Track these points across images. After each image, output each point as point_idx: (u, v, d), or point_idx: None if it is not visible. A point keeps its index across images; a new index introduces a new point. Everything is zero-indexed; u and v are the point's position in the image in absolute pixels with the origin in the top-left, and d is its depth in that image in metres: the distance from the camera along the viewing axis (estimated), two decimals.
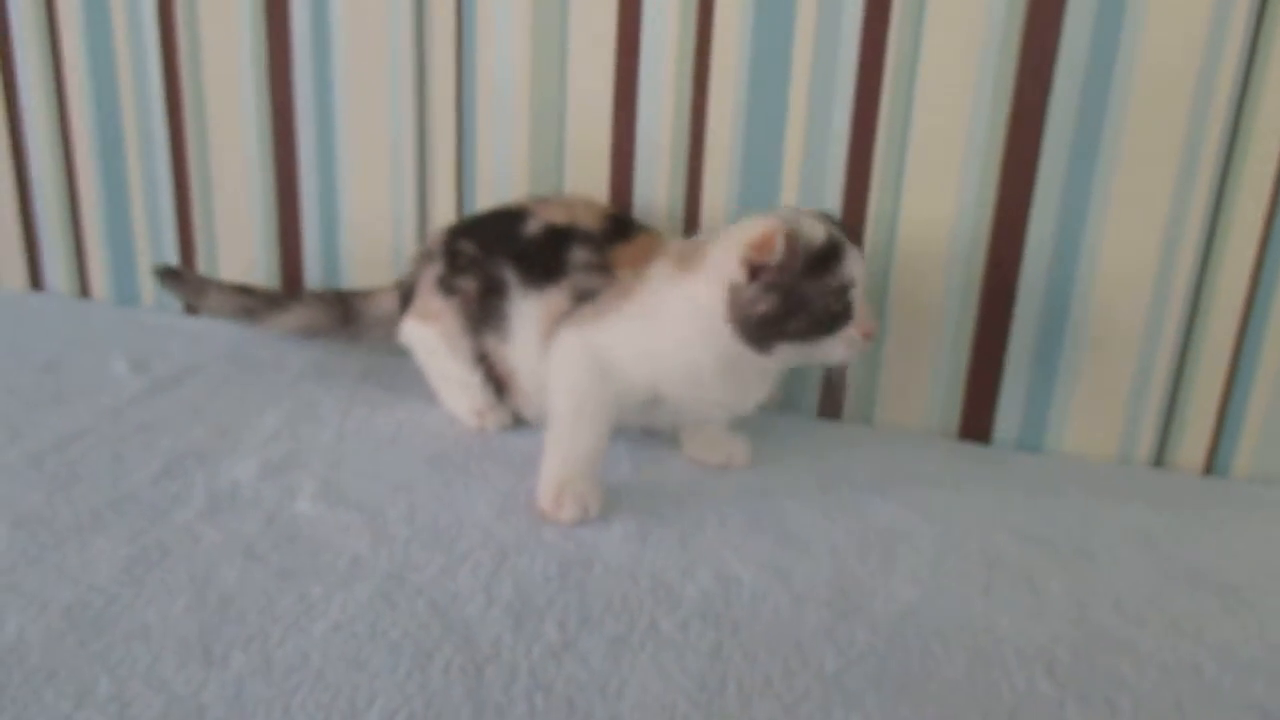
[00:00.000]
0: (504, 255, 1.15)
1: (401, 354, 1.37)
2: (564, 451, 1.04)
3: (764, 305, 1.00)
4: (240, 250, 1.48)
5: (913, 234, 1.21)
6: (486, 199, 1.35)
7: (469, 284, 1.17)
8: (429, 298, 1.20)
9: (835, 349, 1.02)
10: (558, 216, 1.16)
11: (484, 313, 1.16)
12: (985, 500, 1.11)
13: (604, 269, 1.11)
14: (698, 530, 1.01)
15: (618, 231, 1.15)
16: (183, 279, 1.42)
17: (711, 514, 1.04)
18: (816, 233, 1.00)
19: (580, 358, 1.07)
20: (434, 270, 1.20)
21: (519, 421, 1.22)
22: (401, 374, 1.33)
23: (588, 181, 1.32)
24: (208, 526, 0.96)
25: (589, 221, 1.15)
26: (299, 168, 1.42)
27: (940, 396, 1.26)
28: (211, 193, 1.47)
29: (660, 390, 1.07)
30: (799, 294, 0.99)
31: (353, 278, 1.44)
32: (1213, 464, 1.21)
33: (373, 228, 1.42)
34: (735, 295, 1.00)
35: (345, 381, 1.31)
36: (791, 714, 0.76)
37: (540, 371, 1.11)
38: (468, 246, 1.18)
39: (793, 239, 0.98)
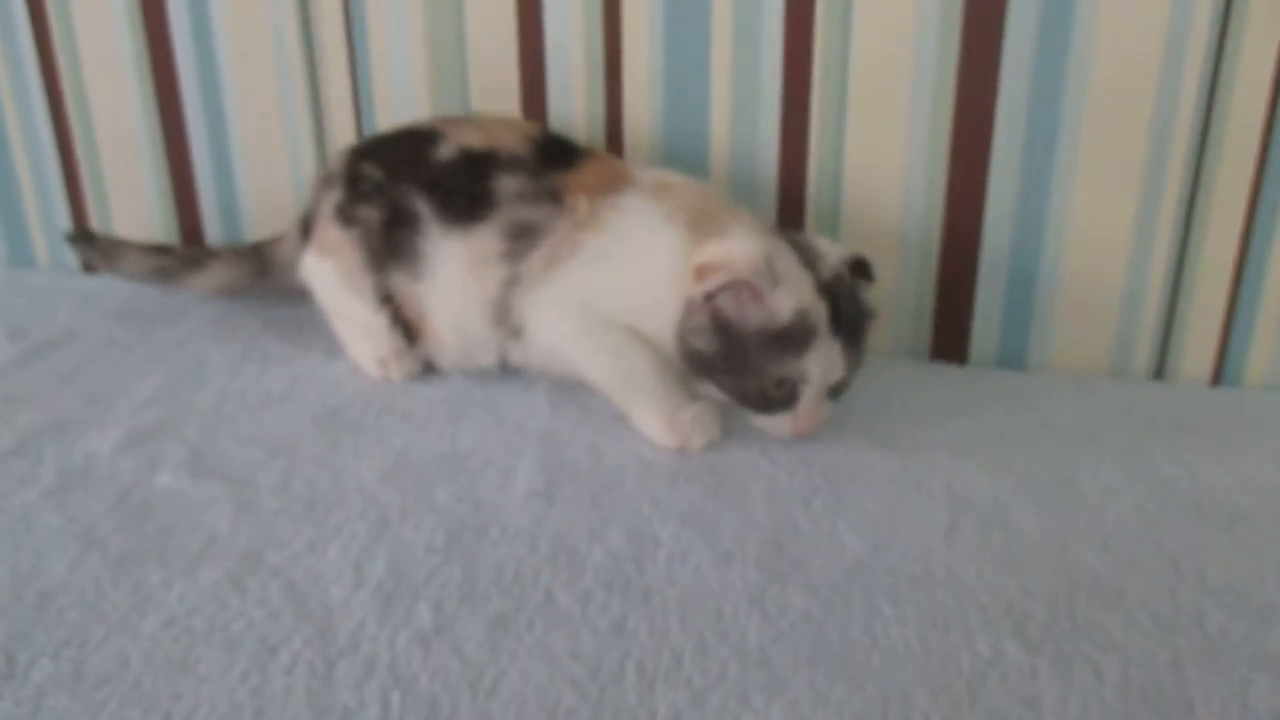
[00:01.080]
0: (414, 182, 1.01)
1: (311, 304, 1.23)
2: (641, 402, 0.94)
3: (701, 341, 0.88)
4: (133, 205, 1.34)
5: (862, 157, 1.06)
6: (387, 121, 1.20)
7: (371, 213, 1.02)
8: (328, 228, 1.05)
9: (759, 421, 0.91)
10: (473, 139, 1.01)
11: (390, 247, 1.02)
12: (955, 429, 0.96)
13: (549, 197, 0.97)
14: (616, 484, 0.87)
15: (553, 155, 1.01)
16: (95, 242, 1.28)
17: (634, 463, 0.90)
18: (783, 306, 0.85)
19: (577, 330, 0.95)
20: (333, 197, 1.05)
21: (430, 369, 1.08)
22: (310, 323, 1.19)
23: (498, 102, 1.16)
24: (47, 509, 0.83)
25: (512, 144, 1.00)
26: (184, 111, 1.27)
27: (907, 313, 1.11)
28: (95, 145, 1.32)
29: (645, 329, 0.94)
30: (741, 354, 0.87)
31: (254, 224, 1.30)
32: (1221, 372, 1.06)
33: (269, 164, 1.27)
34: (688, 307, 0.88)
35: (243, 335, 1.18)
36: (700, 703, 0.63)
37: (465, 314, 1.00)
38: (371, 170, 1.04)
39: (746, 295, 0.85)
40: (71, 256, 1.39)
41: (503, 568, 0.76)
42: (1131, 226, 1.02)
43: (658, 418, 0.93)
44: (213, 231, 1.32)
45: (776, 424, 0.90)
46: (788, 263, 0.87)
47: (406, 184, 1.00)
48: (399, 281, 1.02)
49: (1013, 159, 1.02)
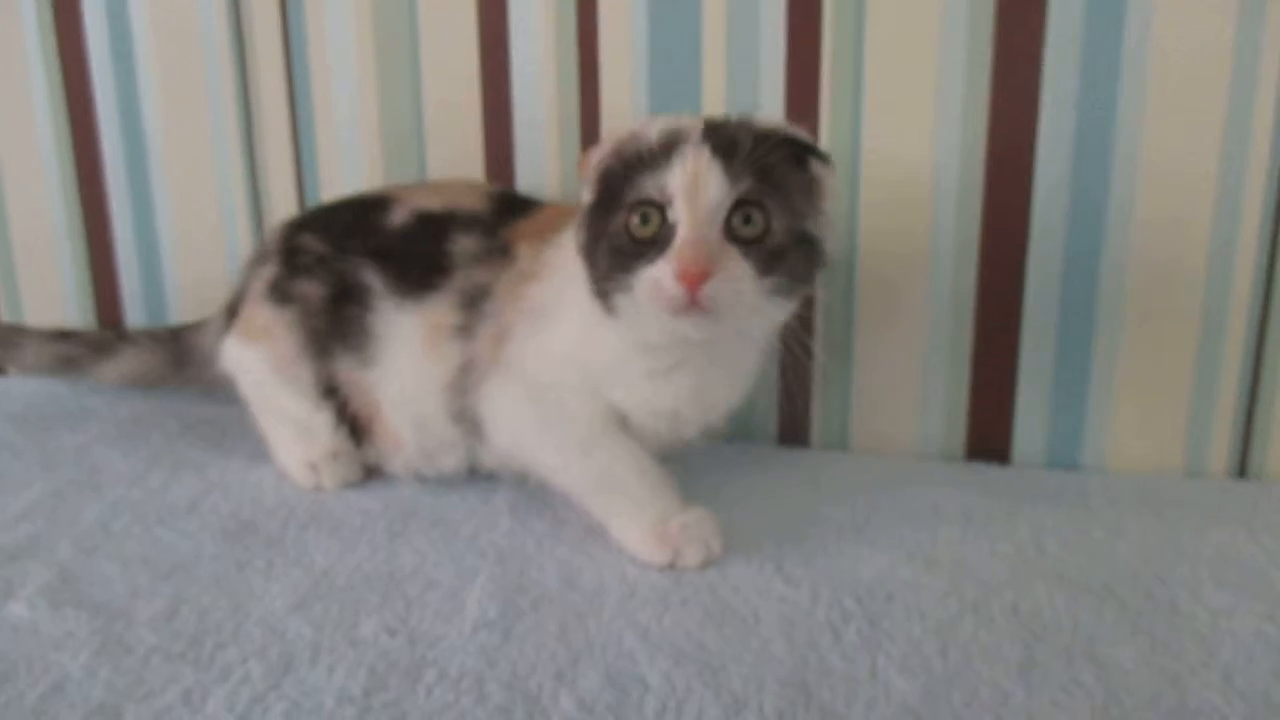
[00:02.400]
0: (362, 253, 0.86)
1: (240, 403, 1.07)
2: (626, 506, 0.77)
3: (581, 233, 0.73)
4: (46, 295, 1.18)
5: (880, 182, 0.91)
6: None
7: (312, 289, 0.87)
8: (257, 309, 0.89)
9: (641, 298, 0.69)
10: (430, 202, 0.87)
11: (335, 327, 0.86)
12: (1010, 538, 0.78)
13: (498, 253, 0.83)
14: (591, 610, 0.68)
15: (511, 209, 0.87)
16: None
17: (614, 583, 0.72)
18: (649, 130, 0.71)
19: (536, 422, 0.79)
20: (266, 273, 0.90)
21: (373, 474, 0.90)
22: (237, 425, 1.02)
23: (459, 167, 1.02)
24: None
25: (470, 203, 0.87)
26: (107, 192, 1.13)
27: (937, 407, 0.94)
28: (6, 225, 1.17)
29: (611, 398, 0.78)
30: (605, 211, 0.71)
31: (182, 310, 1.14)
32: None
33: (201, 253, 1.12)
34: (576, 222, 0.75)
35: (154, 439, 1.00)
36: None
37: (422, 404, 0.83)
38: (312, 242, 0.88)
39: (626, 141, 0.71)
40: None
41: None
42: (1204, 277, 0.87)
43: (642, 527, 0.75)
44: (136, 320, 1.16)
45: (652, 282, 0.68)
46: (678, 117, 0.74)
47: (354, 255, 0.85)
48: (346, 367, 0.86)
49: (1062, 167, 0.87)
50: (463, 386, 0.81)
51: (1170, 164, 0.85)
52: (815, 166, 0.72)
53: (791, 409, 0.97)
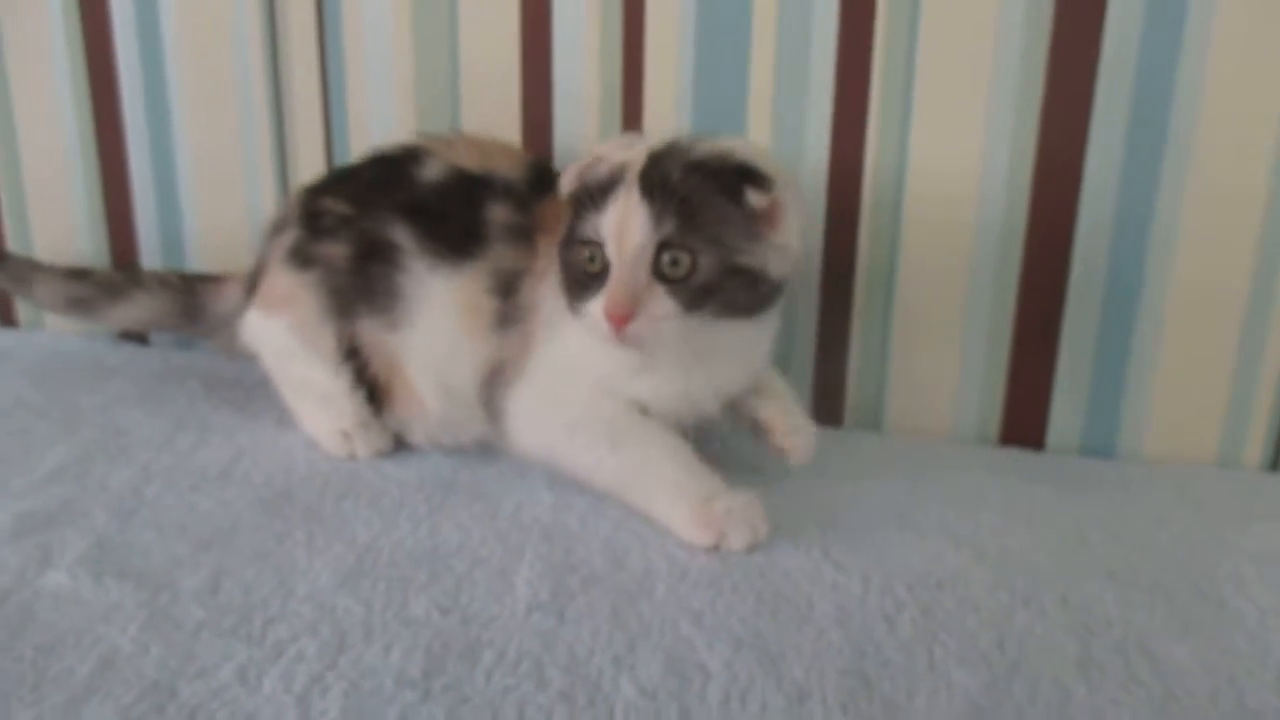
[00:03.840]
0: (391, 208, 0.84)
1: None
2: (666, 490, 0.76)
3: (560, 252, 0.77)
4: (57, 230, 1.15)
5: (926, 181, 0.90)
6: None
7: (336, 249, 0.85)
8: (277, 276, 0.87)
9: (586, 326, 0.74)
10: (468, 159, 0.85)
11: (360, 285, 0.84)
12: (1055, 528, 0.78)
13: (526, 237, 0.81)
14: (642, 593, 0.68)
15: (544, 181, 0.84)
16: (4, 264, 1.08)
17: (663, 566, 0.71)
18: (600, 169, 0.73)
19: (561, 430, 0.79)
20: (286, 240, 0.88)
21: (402, 443, 0.89)
22: (261, 389, 1.00)
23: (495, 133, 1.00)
24: None
25: (507, 168, 0.85)
26: (124, 123, 1.10)
27: (974, 391, 0.94)
28: (17, 157, 1.14)
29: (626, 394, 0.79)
30: (571, 236, 0.75)
31: (201, 260, 1.11)
32: None
33: (222, 195, 1.09)
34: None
35: (179, 400, 0.98)
36: None
37: (453, 371, 0.83)
38: (334, 204, 0.86)
39: (588, 168, 0.74)
40: None
41: (500, 709, 0.56)
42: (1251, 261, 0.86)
43: (684, 509, 0.74)
44: (151, 265, 1.14)
45: (597, 318, 0.72)
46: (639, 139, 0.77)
47: (382, 211, 0.83)
48: (370, 328, 0.84)
49: (1110, 173, 0.87)
50: (494, 382, 0.81)
51: (1219, 177, 0.84)
52: (751, 197, 0.71)
53: (826, 389, 0.97)
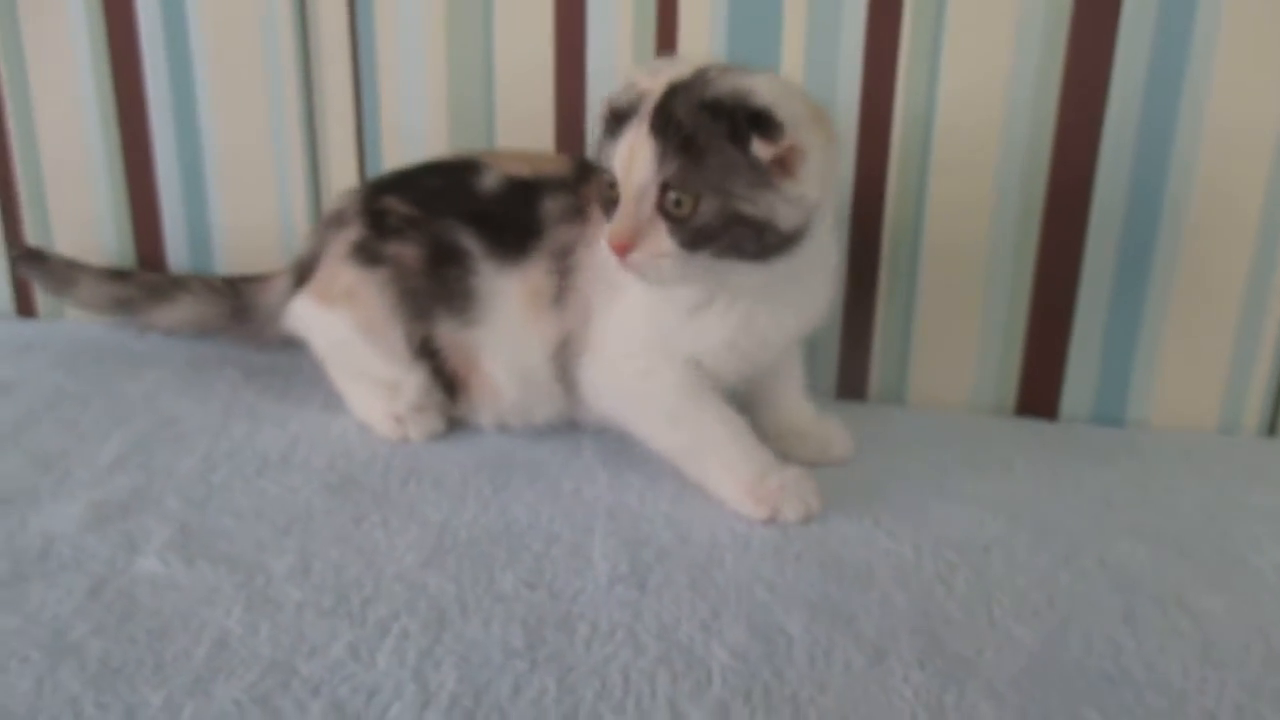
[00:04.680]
0: (456, 216, 0.86)
1: (303, 349, 1.07)
2: (721, 466, 0.80)
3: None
4: (80, 228, 1.15)
5: (955, 118, 0.94)
6: (395, 157, 1.05)
7: (407, 250, 0.87)
8: (339, 270, 0.89)
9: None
10: (519, 169, 0.87)
11: (435, 288, 0.87)
12: (1081, 493, 0.84)
13: (578, 212, 0.84)
14: (713, 564, 0.72)
15: (590, 170, 0.87)
16: (47, 264, 1.10)
17: (727, 539, 0.75)
18: (624, 96, 0.75)
19: (628, 396, 0.82)
20: (348, 235, 0.90)
21: (454, 425, 0.92)
22: (299, 376, 1.03)
23: (528, 139, 1.03)
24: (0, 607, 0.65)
25: (556, 170, 0.88)
26: (150, 123, 1.11)
27: (991, 364, 0.99)
28: (37, 153, 1.14)
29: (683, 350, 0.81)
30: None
31: (229, 261, 1.13)
32: None
33: (252, 195, 1.11)
34: None
35: (221, 388, 1.00)
36: None
37: (528, 359, 0.86)
38: (399, 205, 0.89)
39: (617, 95, 0.76)
40: (2, 298, 1.20)
41: (606, 675, 0.60)
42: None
43: (739, 485, 0.79)
44: (178, 266, 1.15)
45: (603, 242, 0.74)
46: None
47: (447, 218, 0.86)
48: (448, 329, 0.87)
49: (1129, 130, 0.91)
50: (565, 354, 0.84)
51: (1232, 131, 0.89)
52: (757, 147, 0.70)
53: (851, 363, 1.01)
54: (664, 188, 0.71)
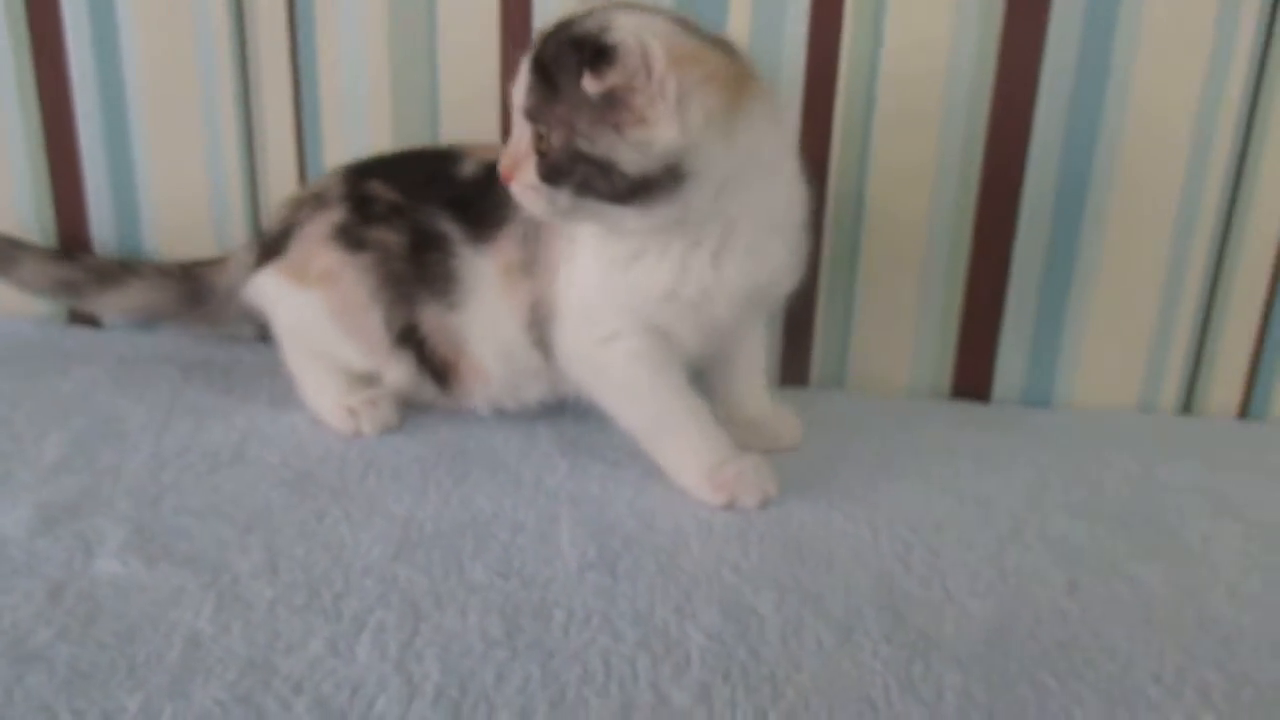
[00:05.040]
0: (439, 203, 0.86)
1: (242, 343, 1.05)
2: (680, 451, 0.81)
3: None
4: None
5: (898, 69, 0.96)
6: (334, 135, 1.04)
7: (391, 236, 0.87)
8: (317, 251, 0.88)
9: None
10: (494, 155, 0.87)
11: (418, 273, 0.86)
12: (1018, 472, 0.88)
13: None
14: (680, 549, 0.74)
15: None
16: None
17: (690, 524, 0.77)
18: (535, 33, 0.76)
19: (593, 366, 0.82)
20: (330, 217, 0.88)
21: (407, 417, 0.92)
22: (239, 370, 1.02)
23: (474, 116, 1.02)
24: None
25: None
26: (71, 93, 1.07)
27: (928, 348, 1.03)
28: None
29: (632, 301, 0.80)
30: None
31: (161, 237, 1.10)
32: (1248, 406, 1.02)
33: (181, 170, 1.08)
34: None
35: (161, 386, 0.98)
36: None
37: (509, 337, 0.85)
38: (383, 190, 0.88)
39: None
40: None
41: (587, 661, 0.61)
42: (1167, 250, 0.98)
43: (698, 471, 0.80)
44: (104, 244, 1.11)
45: None
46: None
47: (430, 205, 0.86)
48: (432, 313, 0.87)
49: (1060, 104, 0.95)
50: (538, 320, 0.83)
51: (1151, 124, 0.94)
52: (585, 81, 0.68)
53: (793, 349, 1.04)
54: (531, 119, 0.73)
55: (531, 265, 0.83)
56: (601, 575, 0.70)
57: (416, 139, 1.01)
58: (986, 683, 0.61)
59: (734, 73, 0.73)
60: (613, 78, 0.68)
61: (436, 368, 0.89)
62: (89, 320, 1.12)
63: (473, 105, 1.01)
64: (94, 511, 0.75)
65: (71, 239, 1.10)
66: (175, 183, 1.08)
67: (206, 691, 0.57)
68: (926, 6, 0.94)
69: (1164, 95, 0.94)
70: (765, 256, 0.80)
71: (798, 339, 1.03)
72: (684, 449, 0.81)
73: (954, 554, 0.74)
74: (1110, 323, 1.00)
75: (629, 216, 0.74)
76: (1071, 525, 0.79)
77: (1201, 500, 0.84)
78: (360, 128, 1.03)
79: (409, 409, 0.93)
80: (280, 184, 1.06)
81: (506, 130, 1.00)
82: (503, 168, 0.75)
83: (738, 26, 0.97)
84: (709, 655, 0.62)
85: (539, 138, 0.73)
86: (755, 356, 0.91)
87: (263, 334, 1.05)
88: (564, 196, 0.73)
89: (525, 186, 0.74)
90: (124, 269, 1.00)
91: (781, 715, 0.57)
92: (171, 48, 1.04)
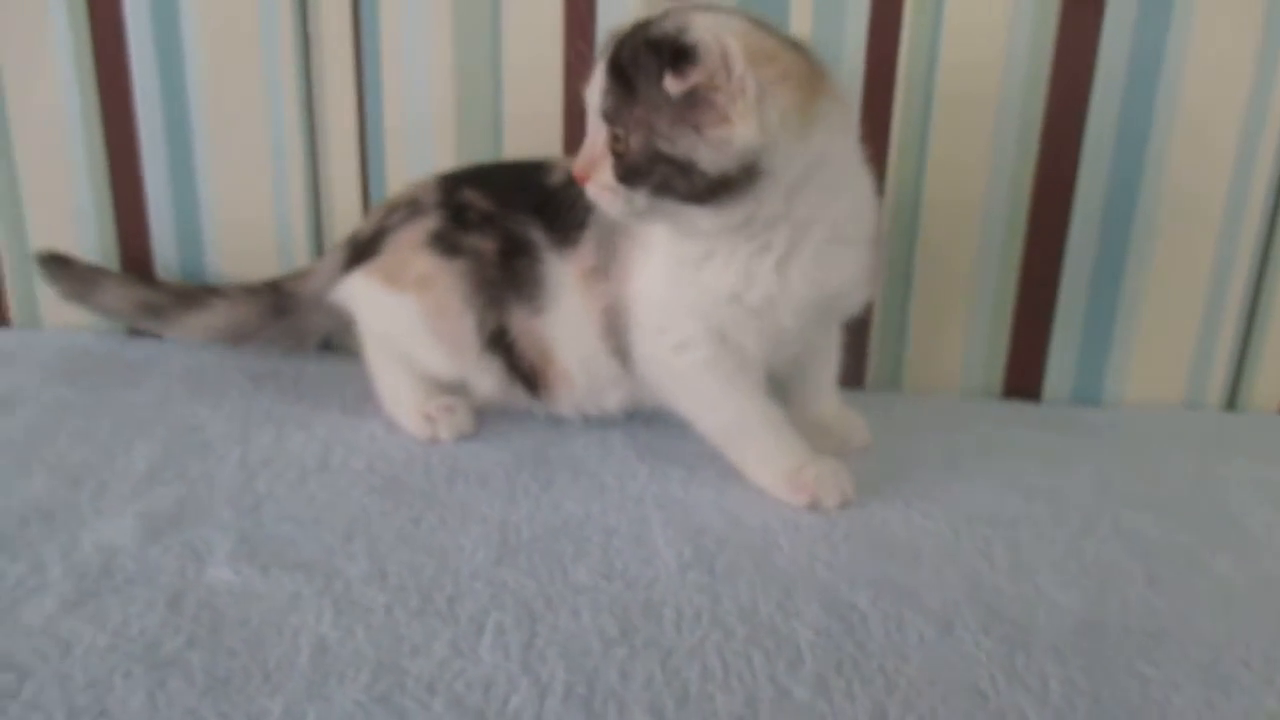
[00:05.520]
0: (527, 211, 0.89)
1: (304, 355, 1.07)
2: (759, 455, 0.84)
3: None
4: (58, 224, 1.12)
5: (956, 69, 0.99)
6: (398, 155, 1.06)
7: (485, 243, 0.89)
8: (413, 257, 0.90)
9: None
10: None
11: (509, 279, 0.89)
12: (1079, 469, 0.91)
13: None
14: (771, 548, 0.76)
15: None
16: (70, 268, 1.07)
17: (777, 524, 0.79)
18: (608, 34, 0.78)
19: (671, 373, 0.84)
20: (425, 225, 0.91)
21: (480, 424, 0.94)
22: (306, 380, 1.03)
23: (536, 132, 1.05)
24: (79, 622, 0.64)
25: None
26: (135, 113, 1.08)
27: (980, 349, 1.06)
28: (10, 145, 1.10)
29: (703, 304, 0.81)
30: None
31: (225, 261, 1.11)
32: None
33: (245, 192, 1.09)
34: None
35: (233, 394, 0.99)
36: None
37: (588, 342, 0.87)
38: (479, 200, 0.90)
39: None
40: None
41: (704, 657, 0.63)
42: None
43: (779, 474, 0.83)
44: (167, 267, 1.12)
45: None
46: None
47: (520, 213, 0.88)
48: (519, 317, 0.89)
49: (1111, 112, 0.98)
50: (614, 327, 0.85)
51: (1202, 127, 0.97)
52: (667, 81, 0.70)
53: (851, 351, 1.06)
54: (607, 121, 0.75)
55: (607, 269, 0.85)
56: (701, 574, 0.72)
57: (480, 159, 1.03)
58: (1087, 672, 0.63)
59: (808, 72, 0.75)
60: (695, 76, 0.70)
61: (526, 374, 0.91)
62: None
63: (536, 123, 1.03)
64: (197, 521, 0.76)
65: (135, 263, 1.12)
66: (239, 206, 1.10)
67: (345, 694, 0.59)
68: (984, 8, 0.97)
69: (1212, 98, 0.97)
70: (833, 268, 0.81)
71: (855, 342, 1.06)
72: (763, 453, 0.84)
73: (1034, 548, 0.77)
74: (1158, 323, 1.03)
75: (703, 216, 0.76)
76: (1139, 519, 0.82)
77: (1258, 492, 0.87)
78: (424, 149, 1.05)
79: (483, 415, 0.95)
80: (345, 207, 1.09)
81: (569, 147, 1.03)
82: (576, 169, 0.77)
83: (799, 23, 0.99)
84: (818, 649, 0.64)
85: (615, 139, 0.74)
86: (827, 361, 0.93)
87: (327, 343, 1.08)
88: (641, 197, 0.75)
89: (602, 187, 0.76)
90: (207, 290, 1.02)
91: (898, 705, 0.60)
92: (236, 70, 1.06)
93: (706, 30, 0.70)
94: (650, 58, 0.72)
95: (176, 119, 1.08)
